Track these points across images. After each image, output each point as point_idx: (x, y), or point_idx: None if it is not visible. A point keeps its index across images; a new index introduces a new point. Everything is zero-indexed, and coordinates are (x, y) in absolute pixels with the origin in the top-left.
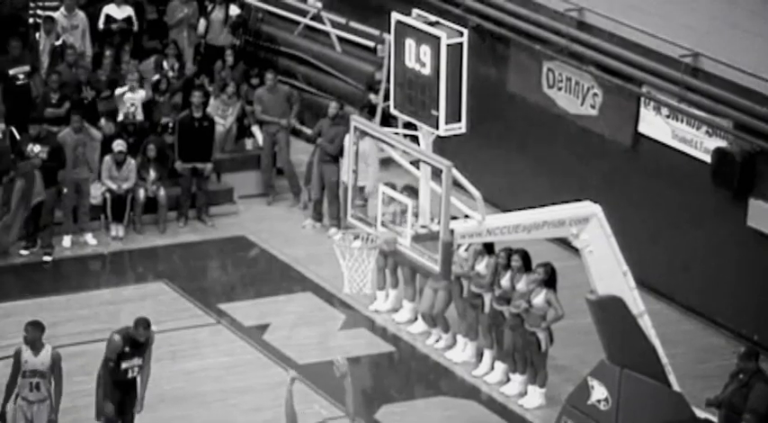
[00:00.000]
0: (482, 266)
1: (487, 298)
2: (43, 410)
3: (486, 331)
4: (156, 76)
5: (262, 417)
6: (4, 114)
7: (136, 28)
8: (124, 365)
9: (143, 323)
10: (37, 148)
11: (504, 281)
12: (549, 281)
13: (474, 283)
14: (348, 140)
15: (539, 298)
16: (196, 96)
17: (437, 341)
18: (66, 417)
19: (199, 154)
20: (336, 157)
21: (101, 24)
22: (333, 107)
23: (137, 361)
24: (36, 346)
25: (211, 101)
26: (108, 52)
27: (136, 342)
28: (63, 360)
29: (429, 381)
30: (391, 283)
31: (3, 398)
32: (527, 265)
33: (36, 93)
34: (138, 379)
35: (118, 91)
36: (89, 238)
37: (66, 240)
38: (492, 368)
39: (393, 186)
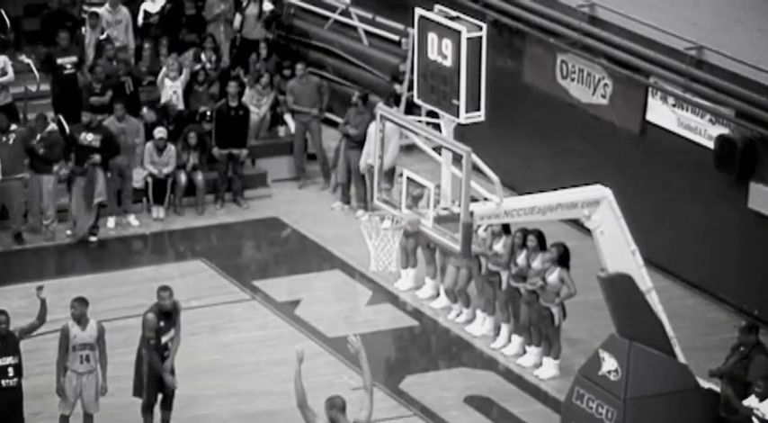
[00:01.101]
0: (500, 246)
1: (504, 275)
2: (91, 380)
3: (504, 306)
4: (195, 68)
5: (292, 386)
6: (51, 102)
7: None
8: (164, 340)
9: (162, 288)
10: (90, 136)
11: (521, 259)
12: (563, 259)
13: (492, 262)
14: (373, 127)
15: (553, 275)
16: (232, 87)
17: (458, 316)
18: (111, 385)
19: (235, 141)
20: (361, 143)
21: (140, 20)
22: (356, 96)
23: (172, 332)
24: (82, 320)
25: (246, 91)
26: (147, 45)
27: (167, 313)
28: (107, 333)
29: (450, 353)
30: (410, 262)
31: (56, 374)
32: (542, 245)
33: (82, 83)
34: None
35: (159, 77)
36: (132, 219)
37: (111, 221)
38: (509, 341)
39: None
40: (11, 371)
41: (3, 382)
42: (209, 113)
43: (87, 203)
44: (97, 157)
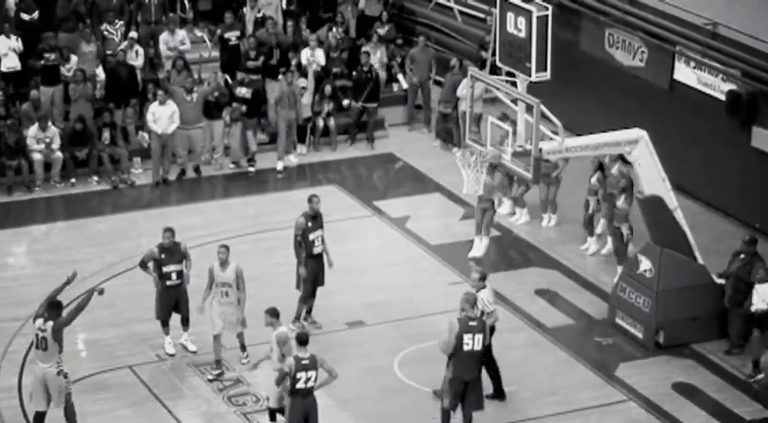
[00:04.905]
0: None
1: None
2: (231, 310)
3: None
4: (329, 38)
5: (403, 281)
6: (220, 66)
7: None
8: (311, 237)
9: (313, 195)
10: (243, 90)
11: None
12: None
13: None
14: (466, 85)
15: (620, 201)
16: (364, 56)
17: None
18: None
19: (370, 96)
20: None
21: (284, 3)
22: (454, 62)
23: (319, 232)
24: (225, 263)
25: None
26: (290, 22)
27: (315, 216)
28: (264, 240)
29: (524, 255)
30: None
31: (202, 299)
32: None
33: (243, 50)
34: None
35: (302, 55)
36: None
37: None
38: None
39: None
40: (174, 275)
41: (168, 282)
42: (340, 73)
43: (242, 141)
44: (243, 108)
